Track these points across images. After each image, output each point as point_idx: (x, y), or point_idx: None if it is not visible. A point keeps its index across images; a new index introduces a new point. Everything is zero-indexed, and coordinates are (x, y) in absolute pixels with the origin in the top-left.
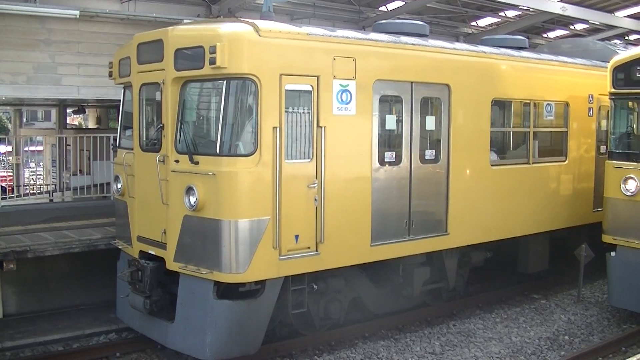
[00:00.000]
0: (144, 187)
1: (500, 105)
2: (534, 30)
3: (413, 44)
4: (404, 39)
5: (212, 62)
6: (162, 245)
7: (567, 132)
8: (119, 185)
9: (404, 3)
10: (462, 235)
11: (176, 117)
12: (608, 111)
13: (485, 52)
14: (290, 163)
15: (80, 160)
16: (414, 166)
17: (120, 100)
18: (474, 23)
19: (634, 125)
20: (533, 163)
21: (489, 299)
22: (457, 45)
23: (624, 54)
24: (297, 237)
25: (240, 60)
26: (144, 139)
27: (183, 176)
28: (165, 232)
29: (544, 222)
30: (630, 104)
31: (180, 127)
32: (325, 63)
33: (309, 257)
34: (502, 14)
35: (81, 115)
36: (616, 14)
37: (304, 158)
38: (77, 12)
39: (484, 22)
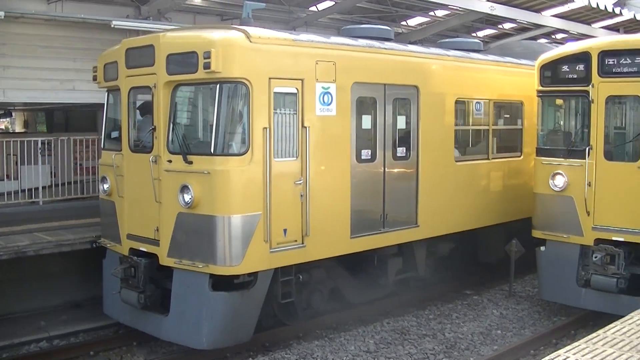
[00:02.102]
0: (134, 187)
1: (463, 105)
2: (463, 30)
3: (386, 49)
4: (377, 44)
5: (207, 66)
6: (155, 242)
7: (522, 129)
8: (106, 186)
9: (334, 3)
10: (430, 227)
11: (168, 119)
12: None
13: (449, 56)
14: (279, 161)
15: (7, 165)
16: (387, 163)
17: (102, 103)
18: (404, 23)
19: (561, 122)
20: (492, 159)
21: (422, 296)
22: (425, 49)
23: (550, 52)
24: (285, 230)
25: (233, 65)
26: (134, 140)
27: (177, 175)
28: (158, 230)
29: (501, 214)
30: (557, 101)
31: (173, 129)
32: (309, 67)
33: (296, 250)
34: (431, 13)
35: (7, 119)
36: (543, 13)
37: (291, 156)
38: (2, 13)
39: (413, 21)
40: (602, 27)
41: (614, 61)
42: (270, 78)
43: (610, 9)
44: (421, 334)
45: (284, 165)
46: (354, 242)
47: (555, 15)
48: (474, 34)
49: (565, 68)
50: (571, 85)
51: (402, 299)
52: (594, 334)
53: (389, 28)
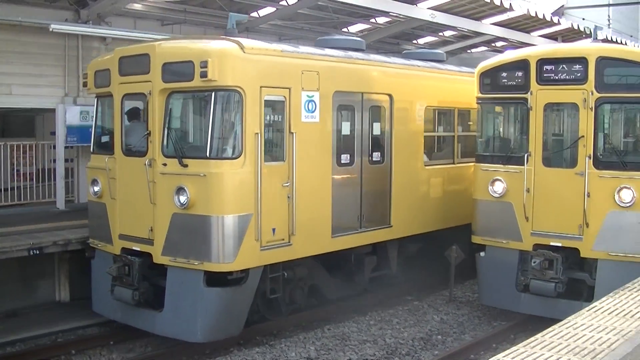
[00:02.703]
0: (127, 189)
1: (432, 113)
2: (404, 37)
3: (363, 59)
4: (355, 54)
5: (204, 75)
6: (149, 242)
7: None
8: (97, 188)
9: (275, 9)
10: (402, 228)
11: (162, 124)
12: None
13: (419, 66)
14: (268, 165)
15: None
16: (364, 167)
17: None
18: (345, 29)
19: (500, 129)
20: (457, 163)
21: (363, 302)
22: (397, 60)
23: (490, 60)
24: (274, 230)
25: (228, 74)
26: (126, 144)
27: (172, 178)
28: (152, 229)
29: (466, 215)
30: (496, 108)
31: (168, 134)
32: (295, 76)
33: (283, 248)
34: (372, 20)
35: None
36: (483, 21)
37: (279, 160)
38: None
39: (355, 28)
40: (541, 36)
41: (552, 69)
42: (261, 87)
43: (548, 18)
44: (362, 339)
45: (273, 169)
46: (335, 241)
47: (495, 24)
48: (414, 41)
49: (504, 75)
50: (510, 92)
51: (342, 305)
52: (533, 338)
53: (361, 39)
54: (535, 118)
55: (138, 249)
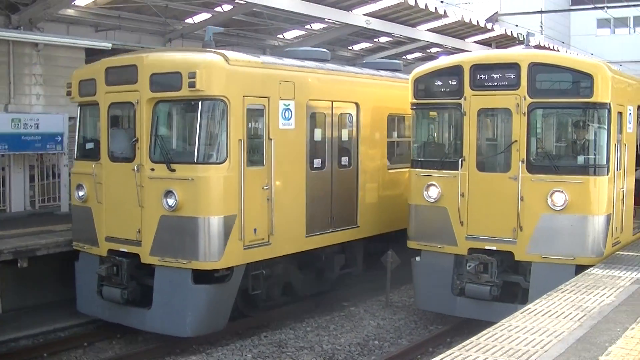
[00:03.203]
0: (114, 193)
1: (394, 119)
2: (339, 43)
3: (333, 70)
4: (326, 65)
5: (192, 85)
6: (137, 243)
7: None
8: (82, 193)
9: (210, 15)
10: (368, 228)
11: (150, 132)
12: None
13: (382, 76)
14: (250, 169)
15: None
16: (334, 171)
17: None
18: (280, 35)
19: (435, 135)
20: None
21: (300, 308)
22: (364, 70)
23: (424, 66)
24: (255, 230)
25: (214, 84)
26: (112, 151)
27: (160, 182)
28: (140, 231)
29: None
30: (430, 113)
31: (155, 140)
32: (274, 86)
33: (263, 247)
34: (308, 26)
35: None
36: (418, 27)
37: (259, 165)
38: None
39: (290, 34)
40: (475, 42)
41: (485, 75)
42: (244, 96)
43: (482, 25)
44: (299, 346)
45: (254, 172)
46: (308, 240)
47: (430, 30)
48: (350, 48)
49: (438, 81)
50: (444, 98)
51: (279, 311)
52: (468, 341)
53: (327, 50)
54: (469, 123)
55: (125, 250)
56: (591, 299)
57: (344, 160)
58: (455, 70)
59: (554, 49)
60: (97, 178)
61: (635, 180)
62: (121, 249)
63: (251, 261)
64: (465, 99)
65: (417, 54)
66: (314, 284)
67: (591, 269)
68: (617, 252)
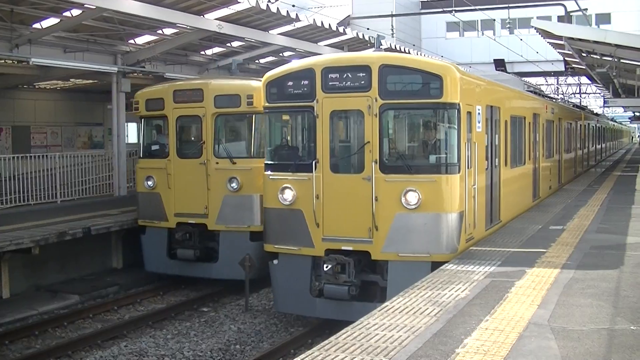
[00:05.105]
0: (183, 181)
1: None
2: (191, 48)
3: None
4: None
5: (250, 104)
6: (204, 216)
7: None
8: (151, 183)
9: (59, 20)
10: None
11: (214, 136)
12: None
13: None
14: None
15: None
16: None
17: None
18: (131, 41)
19: (289, 138)
20: None
21: (159, 315)
22: None
23: (276, 70)
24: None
25: (261, 102)
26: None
27: (224, 172)
28: (207, 207)
29: None
30: (283, 117)
31: (218, 142)
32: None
33: None
34: (159, 31)
35: None
36: (270, 31)
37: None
38: None
39: (142, 40)
40: (328, 45)
41: (337, 77)
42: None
43: (334, 28)
44: (160, 354)
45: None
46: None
47: (283, 34)
48: (202, 52)
49: (290, 84)
50: (296, 101)
51: (137, 320)
52: (327, 341)
53: None
54: (322, 126)
55: (193, 222)
56: (447, 294)
57: None
58: (306, 74)
59: (405, 52)
60: (168, 170)
61: None
62: (190, 222)
63: None
64: (317, 102)
65: (270, 58)
66: None
67: (446, 265)
68: (471, 248)
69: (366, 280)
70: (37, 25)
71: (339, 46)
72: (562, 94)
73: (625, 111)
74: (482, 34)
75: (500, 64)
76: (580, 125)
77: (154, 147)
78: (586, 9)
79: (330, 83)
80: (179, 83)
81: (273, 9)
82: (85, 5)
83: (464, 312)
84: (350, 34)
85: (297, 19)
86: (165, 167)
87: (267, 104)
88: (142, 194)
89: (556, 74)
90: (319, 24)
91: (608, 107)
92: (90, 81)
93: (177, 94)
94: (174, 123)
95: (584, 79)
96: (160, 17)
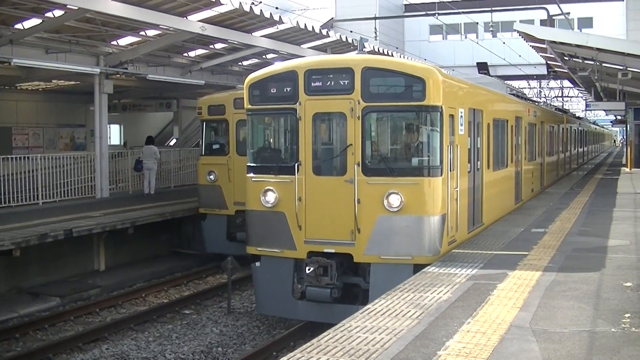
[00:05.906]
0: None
1: None
2: (174, 50)
3: None
4: None
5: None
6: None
7: None
8: (212, 177)
9: (41, 21)
10: None
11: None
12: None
13: None
14: None
15: None
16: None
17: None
18: (114, 42)
19: (271, 140)
20: None
21: (141, 318)
22: None
23: (259, 72)
24: None
25: None
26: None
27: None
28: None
29: None
30: (266, 119)
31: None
32: None
33: None
34: (142, 33)
35: None
36: (254, 34)
37: None
38: None
39: (124, 41)
40: (311, 48)
41: (319, 80)
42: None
43: (318, 31)
44: (142, 357)
45: None
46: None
47: (266, 36)
48: (185, 54)
49: (273, 87)
50: (279, 103)
51: (119, 323)
52: (309, 344)
53: None
54: (305, 128)
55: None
56: (429, 296)
57: None
58: (289, 76)
59: (388, 54)
60: (229, 165)
61: None
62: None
63: None
64: (300, 104)
65: (253, 60)
66: None
67: (428, 267)
68: (453, 250)
69: (348, 282)
70: (18, 26)
71: (322, 49)
72: (545, 98)
73: (607, 114)
74: (465, 37)
75: (483, 67)
76: (563, 128)
77: (215, 146)
78: (569, 13)
79: (313, 85)
80: (239, 92)
81: (256, 11)
82: (67, 6)
83: (446, 315)
84: (333, 36)
85: (281, 22)
86: (225, 163)
87: (250, 106)
88: (204, 187)
89: (539, 77)
90: (302, 27)
91: (590, 110)
92: (73, 82)
93: (236, 101)
94: (234, 126)
95: (566, 83)
96: (143, 19)
